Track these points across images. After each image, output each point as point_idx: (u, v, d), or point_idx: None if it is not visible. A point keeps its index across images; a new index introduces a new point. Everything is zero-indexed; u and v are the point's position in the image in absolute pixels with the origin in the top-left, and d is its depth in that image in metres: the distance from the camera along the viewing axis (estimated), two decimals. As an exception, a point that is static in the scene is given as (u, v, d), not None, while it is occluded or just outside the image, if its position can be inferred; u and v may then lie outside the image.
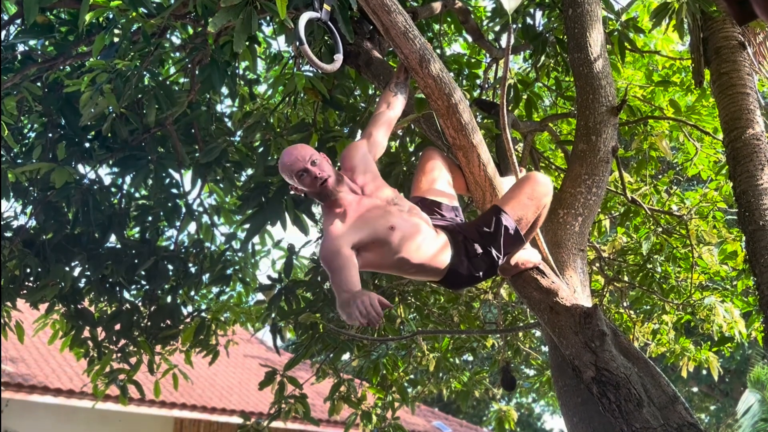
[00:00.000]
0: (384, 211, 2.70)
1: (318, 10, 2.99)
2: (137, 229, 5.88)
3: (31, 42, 4.87)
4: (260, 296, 5.84)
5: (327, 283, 5.60)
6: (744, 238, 4.05)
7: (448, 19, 5.50)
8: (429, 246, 2.71)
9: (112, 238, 5.50)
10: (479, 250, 2.76)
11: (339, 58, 2.88)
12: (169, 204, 5.63)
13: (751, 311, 6.00)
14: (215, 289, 6.47)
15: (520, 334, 7.33)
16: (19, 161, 5.08)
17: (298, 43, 2.77)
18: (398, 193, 2.84)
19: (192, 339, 5.91)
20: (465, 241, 2.78)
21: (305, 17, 2.85)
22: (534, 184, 2.83)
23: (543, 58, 4.98)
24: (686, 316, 6.20)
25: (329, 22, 3.05)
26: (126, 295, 5.74)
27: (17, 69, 4.50)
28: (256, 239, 5.61)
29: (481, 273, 2.80)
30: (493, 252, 2.75)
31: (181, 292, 5.84)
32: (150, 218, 5.66)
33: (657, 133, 5.40)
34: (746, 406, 12.15)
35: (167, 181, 5.55)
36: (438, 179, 3.05)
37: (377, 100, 3.32)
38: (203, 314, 6.09)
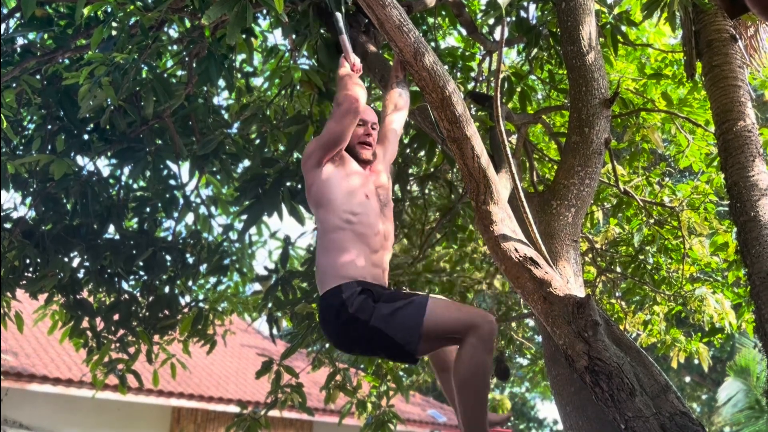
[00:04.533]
0: (371, 192, 2.89)
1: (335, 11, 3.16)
2: (135, 220, 5.90)
3: (30, 35, 4.88)
4: (257, 286, 5.88)
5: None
6: (735, 230, 4.08)
7: (443, 13, 5.53)
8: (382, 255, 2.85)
9: (111, 229, 5.53)
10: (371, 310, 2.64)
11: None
12: (167, 195, 5.66)
13: (741, 302, 6.04)
14: (213, 280, 6.51)
15: (514, 324, 7.38)
16: (18, 153, 5.10)
17: (338, 33, 3.07)
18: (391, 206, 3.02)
19: (190, 329, 5.96)
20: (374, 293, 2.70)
21: (341, 15, 3.10)
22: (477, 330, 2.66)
23: (536, 50, 5.01)
24: (677, 306, 6.24)
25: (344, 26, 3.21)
26: (124, 285, 5.76)
27: (16, 62, 4.52)
28: (252, 230, 5.66)
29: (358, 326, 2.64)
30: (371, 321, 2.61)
31: (178, 282, 5.87)
32: (148, 209, 5.69)
33: (649, 126, 5.43)
34: (728, 394, 12.05)
35: (165, 172, 5.58)
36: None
37: (383, 97, 3.40)
38: (201, 304, 6.13)
